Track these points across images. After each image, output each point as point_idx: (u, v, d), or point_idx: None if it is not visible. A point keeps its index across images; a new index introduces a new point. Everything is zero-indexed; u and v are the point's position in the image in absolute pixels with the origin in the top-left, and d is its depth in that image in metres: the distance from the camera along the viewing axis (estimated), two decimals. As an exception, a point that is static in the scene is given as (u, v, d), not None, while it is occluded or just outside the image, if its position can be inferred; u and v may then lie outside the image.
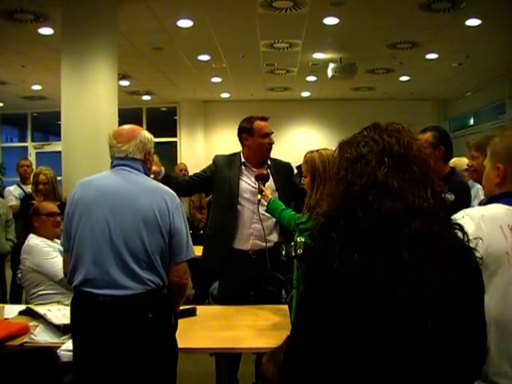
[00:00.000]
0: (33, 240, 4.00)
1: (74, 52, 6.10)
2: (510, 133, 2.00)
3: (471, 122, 12.30)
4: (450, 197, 3.54)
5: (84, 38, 6.02)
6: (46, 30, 7.12)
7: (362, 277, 1.22)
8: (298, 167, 7.96)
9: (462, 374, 1.30)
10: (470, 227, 1.73)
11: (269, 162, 3.99)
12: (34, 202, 5.52)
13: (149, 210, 2.52)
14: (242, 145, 3.98)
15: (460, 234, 1.41)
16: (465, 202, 3.51)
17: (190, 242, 2.67)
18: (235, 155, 4.02)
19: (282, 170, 4.03)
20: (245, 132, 3.93)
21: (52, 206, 4.23)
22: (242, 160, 3.94)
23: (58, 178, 6.04)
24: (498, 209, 1.85)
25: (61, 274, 3.72)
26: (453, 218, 1.78)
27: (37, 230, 4.07)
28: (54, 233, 4.02)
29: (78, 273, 2.50)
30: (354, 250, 1.23)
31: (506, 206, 1.84)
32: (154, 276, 2.51)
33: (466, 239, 1.40)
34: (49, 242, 3.99)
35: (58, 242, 3.88)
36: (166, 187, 2.70)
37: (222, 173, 3.93)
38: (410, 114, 12.45)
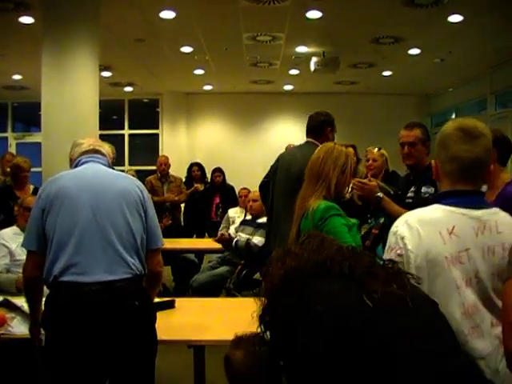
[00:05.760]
0: (3, 231, 4.22)
1: (55, 41, 6.02)
2: (444, 128, 1.93)
3: (453, 117, 12.38)
4: (430, 189, 3.60)
5: (65, 28, 5.94)
6: (26, 19, 7.02)
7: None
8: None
9: None
10: (406, 235, 1.75)
11: None
12: (15, 192, 5.64)
13: (128, 192, 2.58)
14: None
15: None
16: None
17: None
18: None
19: None
20: None
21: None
22: None
23: (39, 169, 6.06)
24: (437, 212, 1.82)
25: None
26: (394, 224, 1.85)
27: (17, 220, 4.27)
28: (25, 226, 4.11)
29: (58, 261, 2.42)
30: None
31: (446, 207, 1.81)
32: (137, 261, 2.52)
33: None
34: (16, 234, 4.09)
35: None
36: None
37: None
38: (393, 108, 12.54)
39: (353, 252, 1.31)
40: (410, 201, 3.53)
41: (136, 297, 2.47)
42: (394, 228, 1.83)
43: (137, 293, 2.49)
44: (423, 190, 3.50)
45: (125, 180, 2.68)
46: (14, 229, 4.20)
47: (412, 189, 3.62)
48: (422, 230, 1.74)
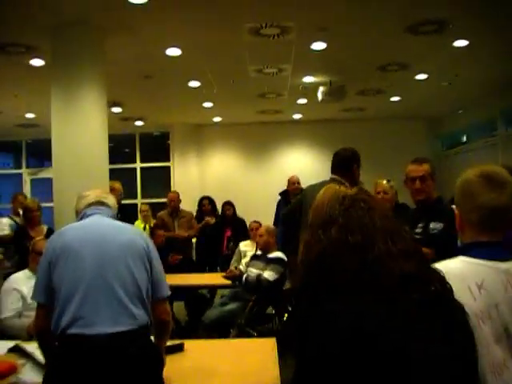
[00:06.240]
0: (14, 275, 4.32)
1: (63, 82, 6.18)
2: (465, 175, 1.84)
3: (464, 139, 12.35)
4: (439, 225, 3.52)
5: (73, 69, 6.12)
6: (36, 62, 7.21)
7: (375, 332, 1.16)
8: (283, 193, 8.04)
9: None
10: None
11: None
12: (29, 233, 5.80)
13: (133, 244, 2.63)
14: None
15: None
16: (453, 228, 3.51)
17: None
18: None
19: None
20: None
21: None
22: None
23: (51, 205, 6.20)
24: (463, 264, 1.71)
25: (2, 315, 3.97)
26: None
27: (29, 263, 4.34)
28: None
29: (65, 314, 2.46)
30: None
31: (472, 260, 1.71)
32: (143, 311, 2.53)
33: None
34: (28, 278, 4.16)
35: None
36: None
37: None
38: (402, 132, 12.55)
39: (408, 251, 1.25)
40: (419, 237, 3.49)
41: (142, 347, 2.48)
42: None
43: (142, 343, 2.51)
44: (432, 225, 3.44)
45: (129, 231, 2.73)
46: (25, 272, 4.28)
47: (420, 224, 3.56)
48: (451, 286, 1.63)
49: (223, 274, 6.39)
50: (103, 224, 2.70)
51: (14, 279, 4.21)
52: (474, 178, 1.78)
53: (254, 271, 5.74)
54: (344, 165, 4.18)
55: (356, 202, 1.37)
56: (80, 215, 2.79)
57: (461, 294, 1.58)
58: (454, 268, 1.70)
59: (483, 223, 1.75)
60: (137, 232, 2.79)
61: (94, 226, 2.68)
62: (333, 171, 4.25)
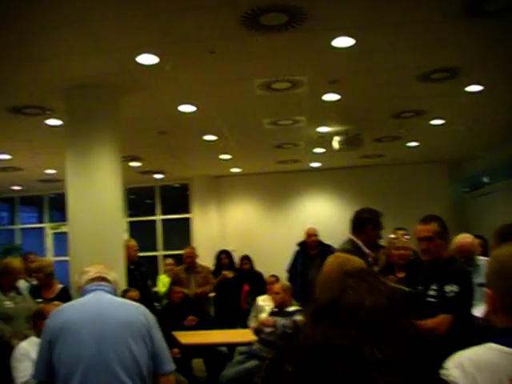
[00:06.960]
0: (21, 344, 4.16)
1: (78, 140, 6.30)
2: (499, 255, 1.70)
3: (485, 181, 12.16)
4: (454, 288, 3.37)
5: (87, 128, 6.25)
6: (53, 121, 7.42)
7: None
8: (301, 244, 7.88)
9: None
10: (460, 382, 1.49)
11: None
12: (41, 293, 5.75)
13: (133, 321, 2.61)
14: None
15: None
16: (468, 291, 3.41)
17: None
18: None
19: None
20: None
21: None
22: None
23: (66, 258, 6.18)
24: (494, 354, 1.56)
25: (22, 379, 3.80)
26: (445, 365, 1.56)
27: (37, 331, 4.13)
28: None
29: None
30: None
31: (504, 349, 1.55)
32: None
33: None
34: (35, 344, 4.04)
35: None
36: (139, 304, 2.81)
37: None
38: (422, 176, 12.43)
39: (397, 359, 1.12)
40: (434, 300, 3.39)
41: None
42: (443, 370, 1.53)
43: None
44: (447, 289, 3.32)
45: (129, 309, 2.71)
46: (32, 340, 4.10)
47: (433, 286, 3.45)
48: (479, 377, 1.50)
49: (242, 330, 6.26)
50: (103, 302, 2.70)
51: (22, 347, 4.10)
52: (510, 258, 1.65)
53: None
54: (358, 225, 4.14)
55: (347, 292, 1.20)
56: (81, 291, 2.79)
57: None
58: (485, 358, 1.57)
59: None
60: (137, 308, 2.75)
61: (94, 305, 2.67)
62: (350, 230, 4.23)
